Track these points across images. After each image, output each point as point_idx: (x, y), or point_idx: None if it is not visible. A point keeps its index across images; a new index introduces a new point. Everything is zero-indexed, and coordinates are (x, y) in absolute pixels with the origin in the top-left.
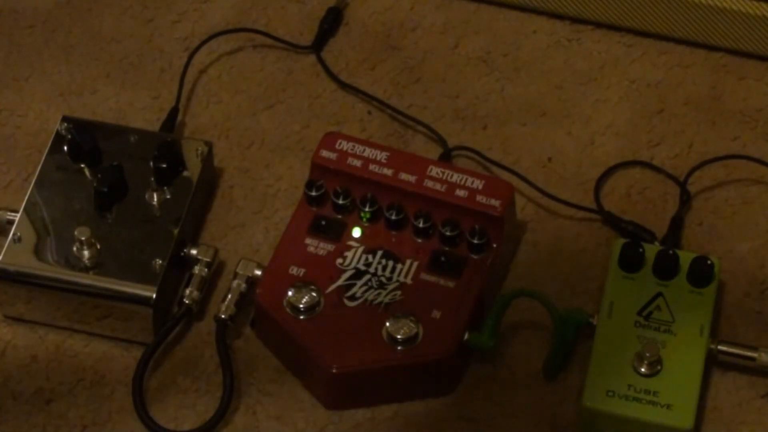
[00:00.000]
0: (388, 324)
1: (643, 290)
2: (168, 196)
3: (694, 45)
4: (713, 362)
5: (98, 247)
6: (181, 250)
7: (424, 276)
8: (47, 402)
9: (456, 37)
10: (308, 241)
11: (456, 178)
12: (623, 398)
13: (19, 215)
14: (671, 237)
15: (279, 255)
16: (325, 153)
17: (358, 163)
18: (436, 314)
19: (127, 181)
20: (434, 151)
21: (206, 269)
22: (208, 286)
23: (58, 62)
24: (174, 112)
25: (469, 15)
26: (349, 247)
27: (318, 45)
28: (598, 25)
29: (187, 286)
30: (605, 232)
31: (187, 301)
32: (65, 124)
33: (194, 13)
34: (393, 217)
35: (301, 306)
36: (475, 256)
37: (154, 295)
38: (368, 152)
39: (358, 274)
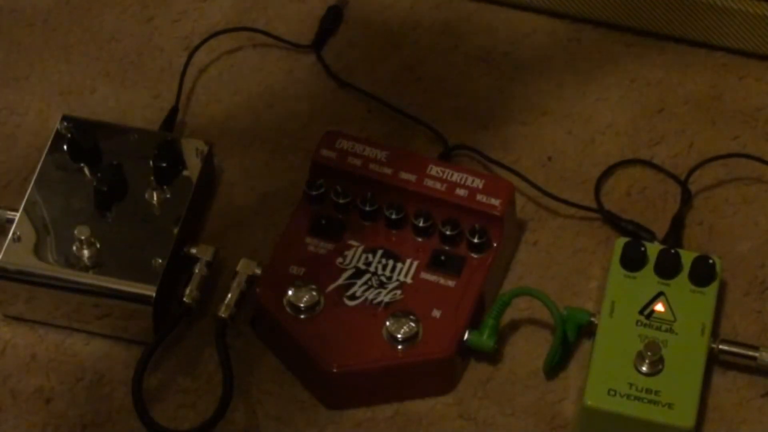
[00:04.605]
0: (388, 323)
1: (644, 289)
2: (168, 196)
3: (694, 45)
4: (714, 361)
5: (98, 246)
6: (181, 250)
7: (424, 275)
8: (47, 401)
9: (456, 36)
10: (308, 240)
11: (456, 177)
12: (625, 397)
13: (18, 214)
14: (672, 236)
15: (279, 254)
16: (325, 152)
17: (358, 162)
18: (436, 313)
19: (127, 180)
20: (434, 151)
21: (206, 268)
22: (208, 285)
23: (57, 61)
24: (174, 111)
25: (469, 14)
26: (349, 247)
27: (318, 44)
28: (598, 24)
29: (187, 285)
30: (605, 231)
31: (187, 301)
32: (65, 123)
33: (194, 12)
34: (393, 216)
35: (301, 305)
36: (475, 256)
37: (154, 294)
38: (368, 151)
39: (358, 274)
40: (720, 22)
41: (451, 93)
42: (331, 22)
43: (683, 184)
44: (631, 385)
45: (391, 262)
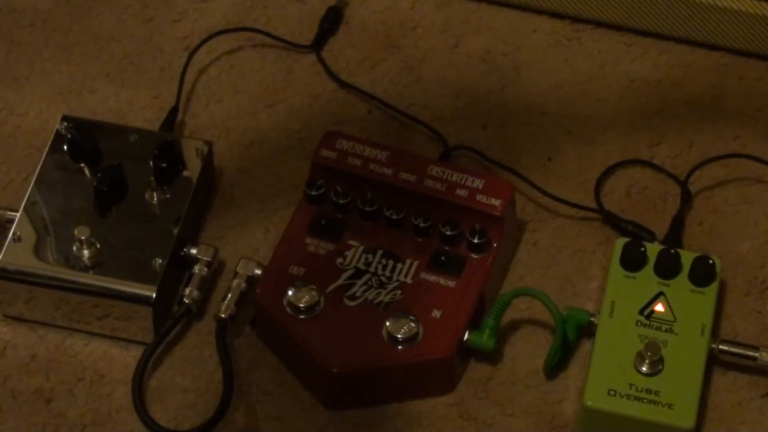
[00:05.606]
0: (388, 323)
1: (644, 289)
2: (168, 196)
3: (694, 45)
4: (714, 362)
5: (98, 246)
6: (181, 250)
7: (425, 275)
8: (47, 401)
9: (456, 36)
10: (308, 240)
11: (456, 177)
12: (625, 397)
13: (18, 214)
14: (672, 236)
15: (279, 254)
16: (325, 152)
17: (358, 162)
18: (437, 314)
19: (127, 180)
20: (434, 151)
21: (206, 269)
22: (208, 285)
23: (57, 61)
24: (174, 111)
25: (469, 14)
26: (349, 247)
27: (318, 44)
28: (598, 24)
29: (187, 285)
30: (605, 231)
31: (187, 301)
32: (65, 124)
33: (194, 12)
34: (393, 217)
35: (301, 306)
36: (475, 256)
37: (154, 295)
38: (368, 151)
39: (358, 274)
40: (720, 22)
41: (451, 93)
42: (331, 22)
43: (683, 185)
44: (631, 385)
45: (391, 263)
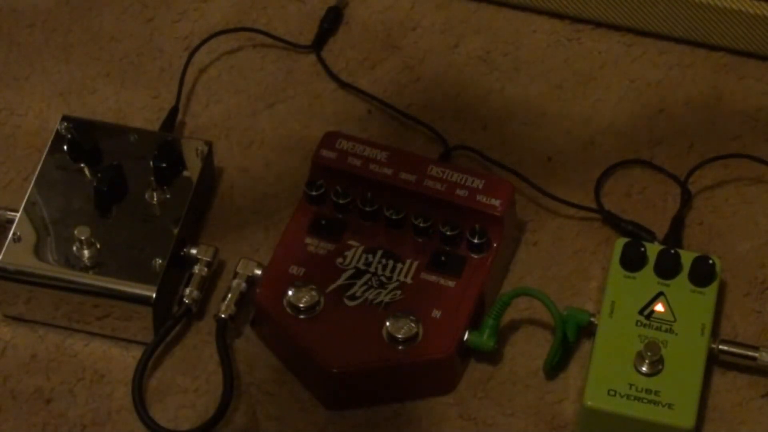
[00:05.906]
0: (388, 323)
1: (644, 289)
2: (168, 196)
3: (694, 45)
4: (714, 362)
5: (98, 246)
6: (181, 250)
7: (425, 275)
8: (47, 401)
9: (456, 36)
10: (308, 240)
11: (456, 177)
12: (624, 397)
13: (18, 214)
14: (672, 236)
15: (279, 255)
16: (325, 152)
17: (358, 162)
18: (437, 314)
19: (127, 180)
20: (434, 151)
21: (206, 269)
22: (208, 285)
23: (57, 61)
24: (174, 111)
25: (469, 15)
26: (349, 247)
27: (318, 44)
28: (598, 24)
29: (187, 285)
30: (605, 231)
31: (187, 301)
32: (65, 124)
33: (194, 12)
34: (393, 217)
35: (301, 306)
36: (475, 256)
37: (154, 295)
38: (368, 151)
39: (358, 274)
40: (720, 22)
41: (451, 93)
42: (331, 22)
43: (683, 185)
44: (631, 385)
45: (391, 263)
